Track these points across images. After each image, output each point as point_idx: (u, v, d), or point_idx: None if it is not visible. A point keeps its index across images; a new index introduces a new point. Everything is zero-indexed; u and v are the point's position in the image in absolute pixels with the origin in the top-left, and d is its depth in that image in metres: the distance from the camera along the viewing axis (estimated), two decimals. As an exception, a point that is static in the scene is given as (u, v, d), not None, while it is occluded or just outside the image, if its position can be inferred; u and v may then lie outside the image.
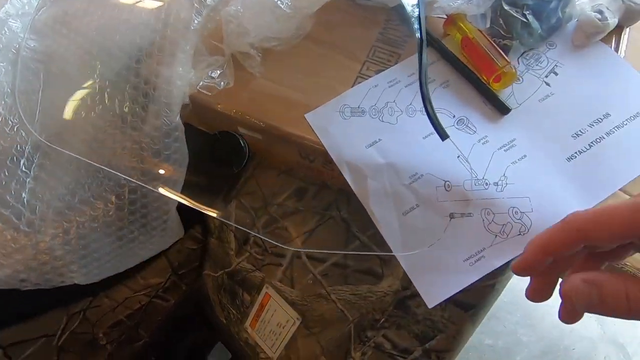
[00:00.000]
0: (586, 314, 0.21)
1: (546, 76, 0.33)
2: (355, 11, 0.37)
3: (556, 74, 0.33)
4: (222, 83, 0.32)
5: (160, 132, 0.31)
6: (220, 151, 0.33)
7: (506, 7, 0.32)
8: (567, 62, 0.33)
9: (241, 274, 0.48)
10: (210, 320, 0.59)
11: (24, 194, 0.30)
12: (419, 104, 0.30)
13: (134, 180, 0.30)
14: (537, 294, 0.24)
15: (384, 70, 0.34)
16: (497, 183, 0.29)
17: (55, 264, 0.31)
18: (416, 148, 0.31)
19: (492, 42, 0.32)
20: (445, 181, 0.29)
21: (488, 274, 0.37)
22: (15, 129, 0.31)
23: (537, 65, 0.33)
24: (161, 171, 0.31)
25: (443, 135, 0.28)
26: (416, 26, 0.30)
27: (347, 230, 0.42)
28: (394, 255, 0.40)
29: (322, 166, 0.35)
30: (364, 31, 0.36)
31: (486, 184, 0.29)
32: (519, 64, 0.33)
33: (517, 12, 0.32)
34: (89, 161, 0.30)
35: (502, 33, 0.33)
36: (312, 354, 0.42)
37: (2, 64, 0.31)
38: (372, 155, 0.31)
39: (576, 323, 0.21)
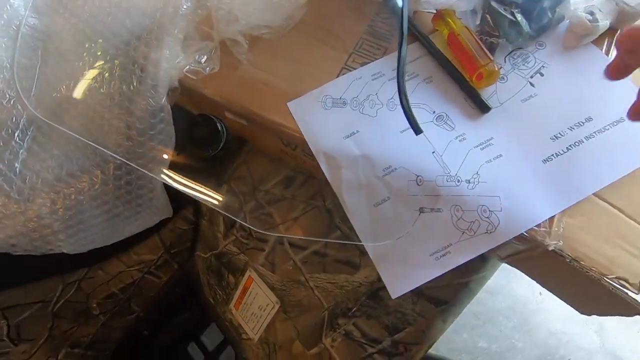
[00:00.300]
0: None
1: (531, 76, 0.32)
2: (346, 3, 0.37)
3: (542, 74, 0.32)
4: (207, 68, 0.33)
5: (146, 113, 0.32)
6: (198, 133, 0.34)
7: (494, 5, 0.32)
8: (554, 63, 0.32)
9: (227, 257, 0.49)
10: (201, 300, 0.61)
11: (16, 164, 0.32)
12: None
13: (119, 157, 0.32)
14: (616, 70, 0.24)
15: (369, 62, 0.34)
16: (469, 180, 0.29)
17: (43, 231, 0.33)
18: (392, 141, 0.31)
19: (477, 39, 0.32)
20: (418, 175, 0.30)
21: (462, 272, 0.37)
22: (12, 102, 0.33)
23: (524, 65, 0.33)
24: (145, 150, 0.33)
25: (417, 130, 0.29)
26: (400, 19, 0.30)
27: (329, 221, 0.43)
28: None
29: (303, 155, 0.36)
30: (353, 23, 0.36)
31: (458, 180, 0.29)
32: (505, 62, 0.33)
33: (505, 10, 0.31)
34: (77, 136, 0.31)
35: (490, 31, 0.33)
36: (288, 338, 0.43)
37: (2, 39, 0.33)
38: (349, 146, 0.31)
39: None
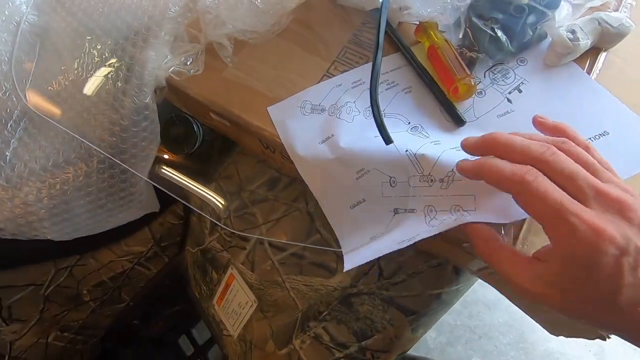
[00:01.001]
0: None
1: (509, 92, 0.32)
2: (333, 11, 0.38)
3: (520, 91, 0.32)
4: (192, 70, 0.34)
5: (131, 110, 0.34)
6: (175, 133, 0.36)
7: (475, 20, 0.32)
8: (534, 80, 0.32)
9: (211, 253, 0.50)
10: (188, 294, 0.62)
11: (7, 153, 0.34)
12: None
13: (102, 152, 0.33)
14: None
15: (349, 70, 0.35)
16: (442, 180, 0.29)
17: (29, 218, 0.35)
18: (365, 144, 0.31)
19: (456, 53, 0.32)
20: (391, 177, 0.30)
21: (433, 283, 0.38)
22: (7, 95, 0.34)
23: (503, 80, 0.33)
24: (128, 146, 0.34)
25: (387, 140, 0.29)
26: (377, 28, 0.30)
27: (310, 224, 0.43)
28: (349, 253, 0.41)
29: (281, 158, 0.36)
30: (338, 31, 0.37)
31: (431, 180, 0.29)
32: (485, 77, 0.33)
33: (485, 25, 0.32)
34: (64, 128, 0.33)
35: (471, 46, 0.33)
36: (263, 337, 0.44)
37: (2, 34, 0.35)
38: (324, 150, 0.32)
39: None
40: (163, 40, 0.33)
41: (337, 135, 0.32)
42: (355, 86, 0.34)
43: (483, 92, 0.33)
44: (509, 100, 0.32)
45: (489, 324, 1.13)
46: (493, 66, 0.33)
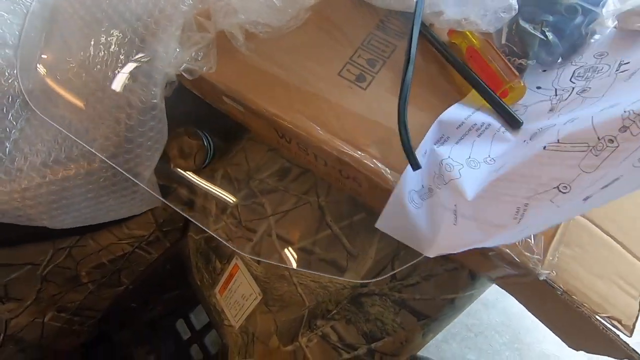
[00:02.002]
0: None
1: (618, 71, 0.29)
2: (357, 5, 0.35)
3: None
4: (204, 67, 0.32)
5: (137, 109, 0.32)
6: (184, 147, 0.34)
7: (523, 24, 0.29)
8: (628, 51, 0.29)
9: (216, 241, 0.49)
10: (189, 280, 0.61)
11: (7, 144, 0.32)
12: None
13: (105, 159, 0.31)
14: None
15: (375, 59, 0.32)
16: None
17: (28, 210, 0.33)
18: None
19: (499, 53, 0.30)
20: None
21: (450, 287, 0.36)
22: (9, 81, 0.32)
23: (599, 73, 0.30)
24: (134, 146, 0.32)
25: (415, 165, 0.26)
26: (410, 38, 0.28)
27: (320, 218, 0.42)
28: (360, 251, 0.39)
29: (297, 148, 0.34)
30: (363, 18, 0.34)
31: None
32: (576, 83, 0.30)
33: (534, 28, 0.29)
34: (65, 131, 0.31)
35: (517, 51, 0.30)
36: (267, 331, 0.43)
37: (8, 16, 0.32)
38: (466, 223, 0.26)
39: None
40: (173, 35, 0.31)
41: (461, 203, 0.26)
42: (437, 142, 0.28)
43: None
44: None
45: (485, 323, 1.12)
46: (575, 72, 0.30)
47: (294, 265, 0.40)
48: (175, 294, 0.76)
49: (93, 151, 0.33)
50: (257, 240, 0.44)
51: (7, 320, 0.52)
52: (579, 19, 0.29)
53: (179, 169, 0.37)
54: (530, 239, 0.26)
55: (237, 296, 0.47)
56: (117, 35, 0.32)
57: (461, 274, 0.35)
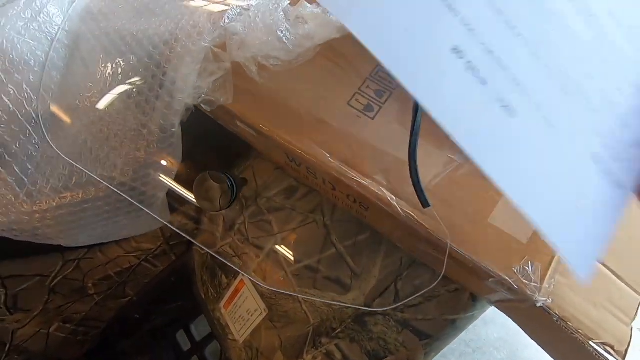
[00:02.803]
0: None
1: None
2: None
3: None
4: (221, 99, 0.34)
5: (156, 137, 0.33)
6: (209, 189, 0.35)
7: None
8: None
9: (223, 257, 0.50)
10: (194, 292, 0.62)
11: (29, 166, 0.33)
12: None
13: (116, 190, 0.33)
14: None
15: (382, 90, 0.34)
16: None
17: (45, 230, 0.34)
18: None
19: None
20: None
21: (451, 308, 0.37)
22: (34, 106, 0.34)
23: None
24: (150, 171, 0.34)
25: (424, 203, 0.27)
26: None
27: (326, 237, 0.43)
28: (364, 270, 0.41)
29: (306, 172, 0.36)
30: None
31: None
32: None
33: None
34: (81, 167, 0.32)
35: None
36: (271, 347, 0.44)
37: (33, 43, 0.34)
38: None
39: None
40: (194, 69, 0.33)
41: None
42: None
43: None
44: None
45: (484, 339, 1.13)
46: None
47: (296, 286, 0.42)
48: (177, 305, 0.77)
49: (113, 174, 0.34)
50: (263, 257, 0.45)
51: (14, 330, 0.53)
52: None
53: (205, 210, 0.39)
54: (529, 268, 0.27)
55: (242, 311, 0.48)
56: (138, 66, 0.34)
57: (463, 295, 0.36)
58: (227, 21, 0.33)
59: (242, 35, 0.34)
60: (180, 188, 0.44)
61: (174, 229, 0.35)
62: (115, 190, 0.33)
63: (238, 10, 0.34)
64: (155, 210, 0.40)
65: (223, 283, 0.51)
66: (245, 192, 0.49)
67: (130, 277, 0.59)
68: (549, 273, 0.28)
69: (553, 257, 0.28)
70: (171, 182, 0.39)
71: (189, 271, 0.61)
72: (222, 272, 0.50)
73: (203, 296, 0.57)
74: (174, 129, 0.34)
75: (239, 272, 0.47)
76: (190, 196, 0.46)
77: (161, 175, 0.38)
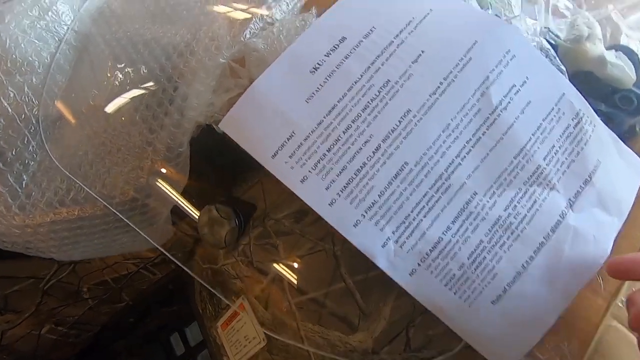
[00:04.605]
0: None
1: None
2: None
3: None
4: None
5: (162, 156, 0.31)
6: (214, 225, 0.33)
7: None
8: None
9: (223, 276, 0.47)
10: (190, 302, 0.59)
11: (24, 176, 0.31)
12: None
13: (115, 212, 0.30)
14: None
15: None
16: None
17: (37, 244, 0.32)
18: None
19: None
20: None
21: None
22: (34, 111, 0.31)
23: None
24: (152, 191, 0.31)
25: None
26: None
27: (335, 268, 0.40)
28: (374, 310, 0.38)
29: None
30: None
31: None
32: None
33: None
34: (81, 183, 0.29)
35: None
36: (268, 379, 0.41)
37: (38, 43, 0.32)
38: None
39: None
40: (208, 85, 0.30)
41: None
42: None
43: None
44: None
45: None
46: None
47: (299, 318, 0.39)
48: (173, 309, 0.75)
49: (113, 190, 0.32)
50: (267, 284, 0.42)
51: (4, 331, 0.51)
52: (632, 110, 0.27)
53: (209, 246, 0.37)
54: (565, 346, 0.24)
55: (240, 336, 0.46)
56: (148, 77, 0.31)
57: (478, 353, 0.33)
58: (247, 36, 0.30)
59: (262, 52, 0.31)
60: (184, 203, 0.42)
61: (170, 256, 0.33)
62: (114, 211, 0.30)
63: (261, 24, 0.31)
64: (156, 230, 0.38)
65: (222, 303, 0.48)
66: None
67: (127, 284, 0.57)
68: (588, 353, 0.25)
69: (593, 335, 0.25)
70: (176, 196, 0.36)
71: (187, 280, 0.59)
72: (223, 291, 0.48)
73: (200, 311, 0.54)
74: (181, 149, 0.31)
75: (240, 296, 0.44)
76: (194, 213, 0.43)
77: (166, 190, 0.35)
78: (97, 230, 0.33)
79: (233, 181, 0.43)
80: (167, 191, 0.35)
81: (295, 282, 0.41)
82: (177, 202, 0.36)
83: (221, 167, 0.39)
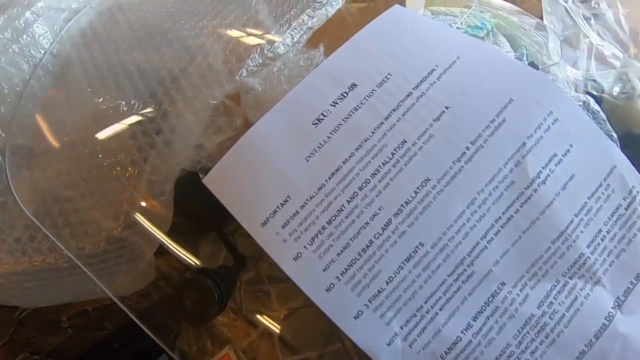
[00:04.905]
0: None
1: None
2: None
3: None
4: None
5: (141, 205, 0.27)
6: (191, 299, 0.29)
7: None
8: None
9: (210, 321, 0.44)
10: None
11: None
12: None
13: (83, 268, 0.26)
14: None
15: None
16: None
17: None
18: None
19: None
20: None
21: None
22: (1, 142, 0.28)
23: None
24: (129, 239, 0.27)
25: None
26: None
27: (332, 326, 0.36)
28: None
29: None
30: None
31: None
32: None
33: None
34: (46, 231, 0.26)
35: None
36: None
37: (10, 69, 0.28)
38: None
39: None
40: (197, 129, 0.26)
41: None
42: None
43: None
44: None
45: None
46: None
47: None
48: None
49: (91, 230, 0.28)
50: (256, 337, 0.38)
51: (-25, 360, 0.48)
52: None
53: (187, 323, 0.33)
54: None
55: (225, 387, 0.42)
56: (132, 110, 0.27)
57: None
58: (244, 74, 0.26)
59: (259, 92, 0.27)
60: (169, 244, 0.38)
61: (147, 330, 0.29)
62: (82, 267, 0.27)
63: (261, 60, 0.27)
64: (136, 274, 0.34)
65: (207, 349, 0.44)
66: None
67: (109, 312, 0.53)
68: None
69: None
70: (161, 236, 0.33)
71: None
72: (208, 336, 0.44)
73: (185, 349, 0.50)
74: (163, 198, 0.28)
75: (225, 346, 0.40)
76: (179, 253, 0.40)
77: (147, 234, 0.31)
78: (64, 281, 0.29)
79: (221, 227, 0.39)
80: (147, 238, 0.31)
81: (287, 339, 0.37)
82: (159, 248, 0.33)
83: (207, 216, 0.35)
